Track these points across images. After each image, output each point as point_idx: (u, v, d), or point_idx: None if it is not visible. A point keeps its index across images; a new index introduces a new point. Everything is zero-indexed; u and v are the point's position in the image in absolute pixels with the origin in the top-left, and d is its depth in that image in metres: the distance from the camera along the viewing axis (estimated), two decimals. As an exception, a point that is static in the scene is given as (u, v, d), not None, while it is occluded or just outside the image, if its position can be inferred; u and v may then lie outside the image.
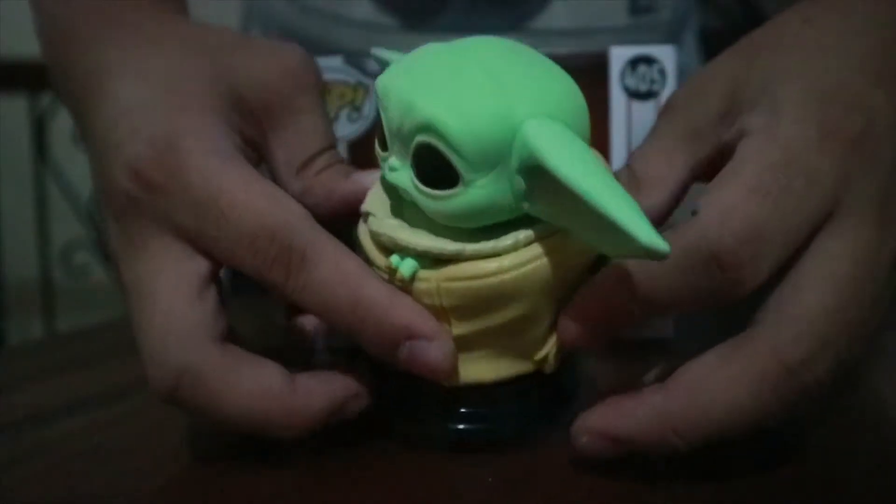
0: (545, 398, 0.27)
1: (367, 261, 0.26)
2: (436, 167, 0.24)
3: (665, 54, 0.34)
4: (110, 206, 0.26)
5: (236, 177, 0.25)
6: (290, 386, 0.25)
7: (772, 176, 0.23)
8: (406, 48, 0.27)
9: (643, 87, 0.34)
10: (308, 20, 0.52)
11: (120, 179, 0.26)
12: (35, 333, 1.19)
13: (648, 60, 0.34)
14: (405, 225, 0.26)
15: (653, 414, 0.24)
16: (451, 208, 0.24)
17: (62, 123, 1.06)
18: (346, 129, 0.34)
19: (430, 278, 0.24)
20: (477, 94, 0.23)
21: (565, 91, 0.24)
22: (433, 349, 0.24)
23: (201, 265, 0.25)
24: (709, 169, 0.26)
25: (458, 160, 0.23)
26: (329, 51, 0.34)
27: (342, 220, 0.28)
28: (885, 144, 0.24)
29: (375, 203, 0.27)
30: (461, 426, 0.27)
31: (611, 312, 0.25)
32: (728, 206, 0.23)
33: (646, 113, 0.34)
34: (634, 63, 0.34)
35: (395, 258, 0.25)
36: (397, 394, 0.27)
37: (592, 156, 0.23)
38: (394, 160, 0.25)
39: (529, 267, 0.24)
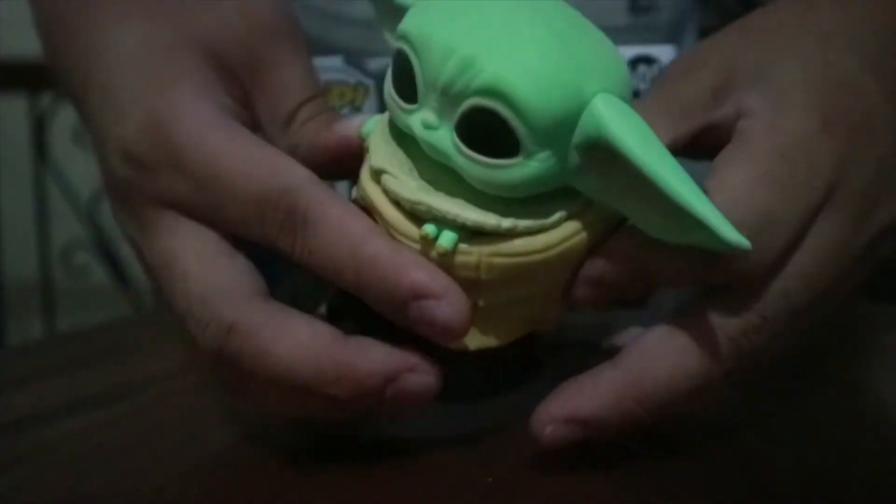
0: (519, 359, 0.27)
1: (386, 224, 0.24)
2: (490, 133, 0.22)
3: (665, 54, 0.34)
4: (114, 194, 0.26)
5: (232, 146, 0.24)
6: (342, 340, 0.24)
7: (779, 163, 0.23)
8: None
9: (643, 87, 0.34)
10: (307, 18, 0.52)
11: (117, 166, 0.25)
12: (35, 333, 1.19)
13: (648, 60, 0.34)
14: (435, 190, 0.24)
15: (611, 389, 0.24)
16: (504, 179, 0.22)
17: (62, 123, 1.06)
18: (347, 128, 0.34)
19: (473, 252, 0.23)
20: (549, 60, 0.22)
21: (621, 62, 0.23)
22: (442, 308, 0.23)
23: (217, 233, 0.25)
24: (693, 144, 0.26)
25: (525, 131, 0.22)
26: (329, 49, 0.34)
27: (336, 174, 0.27)
28: (880, 136, 0.25)
29: (384, 156, 0.25)
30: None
31: (624, 277, 0.24)
32: (736, 193, 0.23)
33: (646, 113, 0.34)
34: (634, 63, 0.34)
35: (430, 228, 0.23)
36: None
37: (657, 137, 0.22)
38: (430, 116, 0.23)
39: (572, 242, 0.23)
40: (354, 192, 0.26)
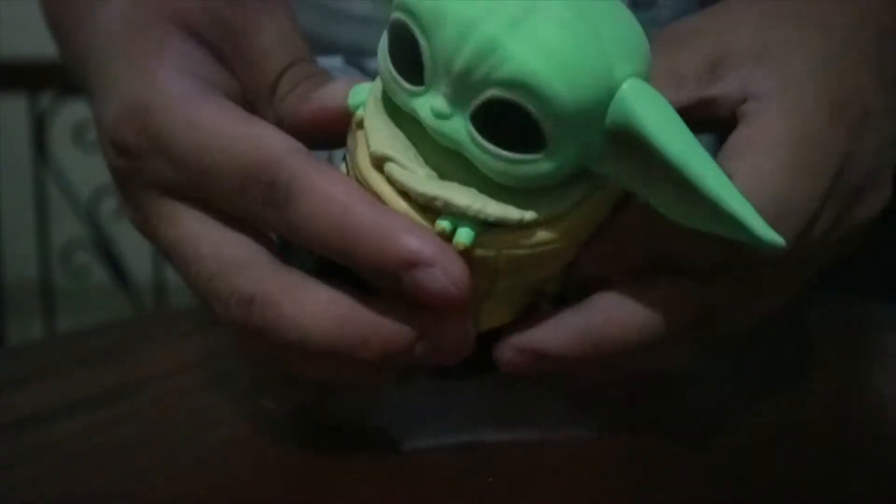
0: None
1: None
2: (511, 124, 0.20)
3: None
4: (116, 184, 0.26)
5: (212, 123, 0.23)
6: (363, 302, 0.23)
7: (798, 150, 0.23)
8: None
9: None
10: (306, 15, 0.52)
11: (110, 156, 0.25)
12: (35, 333, 1.19)
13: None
14: (446, 179, 0.22)
15: (573, 329, 0.24)
16: (526, 173, 0.21)
17: (62, 123, 1.06)
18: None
19: (492, 246, 0.22)
20: (578, 43, 0.20)
21: (643, 35, 0.22)
22: (436, 276, 0.21)
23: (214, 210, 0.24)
24: (682, 117, 0.26)
25: (553, 127, 0.20)
26: (328, 46, 0.34)
27: (323, 144, 0.26)
28: (875, 132, 0.25)
29: (385, 139, 0.23)
30: None
31: (639, 258, 0.24)
32: (761, 179, 0.23)
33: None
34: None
35: (446, 223, 0.21)
36: None
37: (684, 124, 0.21)
38: (441, 103, 0.21)
39: (590, 224, 0.23)
40: (344, 168, 0.25)
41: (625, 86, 0.20)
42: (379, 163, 0.22)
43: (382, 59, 0.22)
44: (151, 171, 0.24)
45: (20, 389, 0.35)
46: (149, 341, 0.40)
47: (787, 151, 0.23)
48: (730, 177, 0.22)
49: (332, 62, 0.34)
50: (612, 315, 0.24)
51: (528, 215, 0.21)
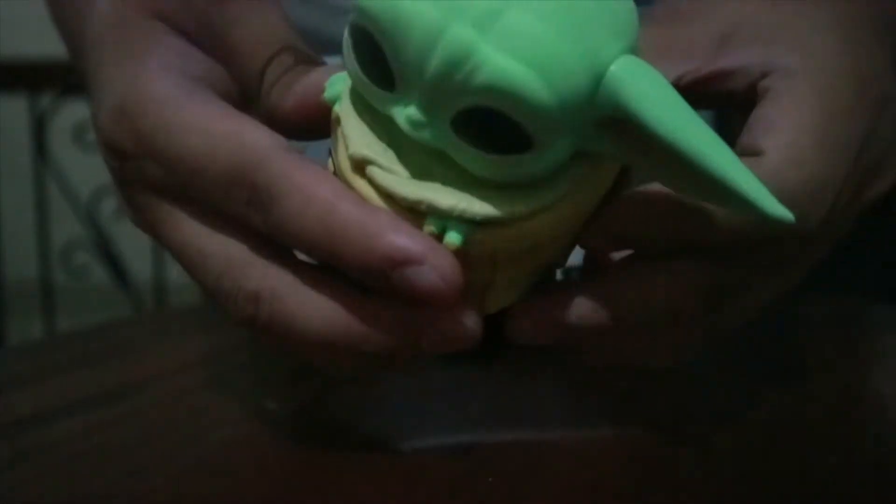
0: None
1: None
2: (495, 127, 0.19)
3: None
4: (114, 184, 0.26)
5: (196, 123, 0.23)
6: (365, 296, 0.22)
7: (831, 127, 0.23)
8: None
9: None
10: (306, 11, 0.52)
11: (106, 158, 0.25)
12: (35, 333, 1.19)
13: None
14: (429, 179, 0.21)
15: (590, 300, 0.23)
16: (515, 171, 0.20)
17: (62, 123, 1.06)
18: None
19: (483, 242, 0.21)
20: (557, 30, 0.18)
21: (633, 8, 0.20)
22: (425, 274, 0.20)
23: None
24: (692, 90, 0.25)
25: (538, 128, 0.19)
26: (328, 42, 0.33)
27: (309, 137, 0.25)
28: (889, 118, 0.25)
29: (364, 139, 0.22)
30: None
31: (654, 232, 0.24)
32: (798, 156, 0.23)
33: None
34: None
35: (434, 225, 0.21)
36: None
37: (682, 99, 0.19)
38: (415, 113, 0.20)
39: (582, 206, 0.22)
40: (330, 164, 0.24)
41: (613, 67, 0.19)
42: (359, 165, 0.22)
43: (348, 59, 0.21)
44: (145, 173, 0.24)
45: (20, 389, 0.35)
46: (149, 341, 0.40)
47: (822, 130, 0.23)
48: (763, 154, 0.23)
49: (337, 60, 0.34)
50: (630, 284, 0.23)
51: (519, 209, 0.21)
